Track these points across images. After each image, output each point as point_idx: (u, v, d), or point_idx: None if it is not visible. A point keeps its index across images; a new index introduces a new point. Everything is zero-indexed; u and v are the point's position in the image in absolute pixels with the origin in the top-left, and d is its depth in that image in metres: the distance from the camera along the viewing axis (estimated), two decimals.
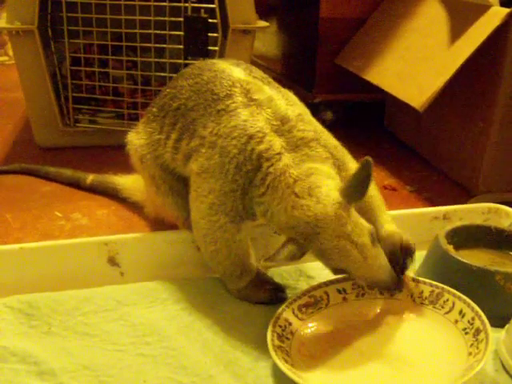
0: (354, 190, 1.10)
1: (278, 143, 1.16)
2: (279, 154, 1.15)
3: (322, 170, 1.15)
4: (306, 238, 1.09)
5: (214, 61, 1.36)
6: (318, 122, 1.28)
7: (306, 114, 1.26)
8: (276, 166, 1.14)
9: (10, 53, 3.75)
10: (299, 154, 1.16)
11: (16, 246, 1.33)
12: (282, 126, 1.18)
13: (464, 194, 1.89)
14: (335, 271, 1.15)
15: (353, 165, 1.25)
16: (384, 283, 1.15)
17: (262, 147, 1.15)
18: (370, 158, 1.09)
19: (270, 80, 1.30)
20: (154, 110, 1.38)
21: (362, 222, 1.12)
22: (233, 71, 1.27)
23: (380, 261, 1.12)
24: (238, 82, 1.23)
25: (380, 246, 1.14)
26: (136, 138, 1.42)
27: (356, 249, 1.09)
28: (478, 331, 1.10)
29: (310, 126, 1.21)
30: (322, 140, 1.21)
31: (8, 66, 3.62)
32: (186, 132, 1.27)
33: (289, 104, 1.23)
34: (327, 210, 1.08)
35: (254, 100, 1.20)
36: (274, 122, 1.18)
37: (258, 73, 1.30)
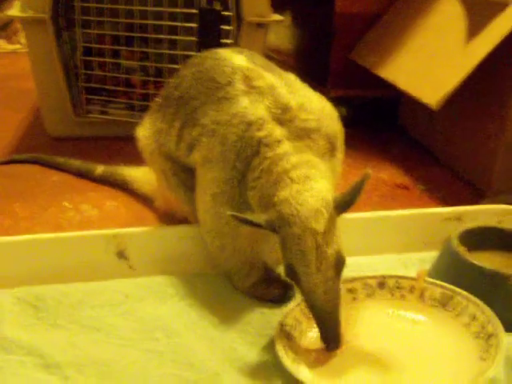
0: (345, 202, 1.05)
1: (278, 131, 1.14)
2: (279, 141, 1.13)
3: (320, 167, 1.12)
4: (280, 220, 1.04)
5: (217, 50, 1.34)
6: (322, 103, 1.25)
7: (309, 100, 1.21)
8: (275, 151, 1.12)
9: (23, 41, 3.75)
10: (300, 144, 1.14)
11: (24, 238, 1.33)
12: (283, 114, 1.16)
13: (476, 194, 1.87)
14: (288, 270, 1.06)
15: (340, 154, 1.25)
16: (321, 316, 1.03)
17: (261, 134, 1.14)
18: (370, 172, 1.05)
19: (273, 66, 1.28)
20: (159, 100, 1.38)
21: (338, 241, 1.05)
22: (234, 59, 1.25)
23: (331, 290, 1.03)
24: (239, 69, 1.22)
25: (339, 285, 1.05)
26: (142, 130, 1.42)
27: (315, 253, 1.02)
28: (489, 336, 1.08)
29: (312, 114, 1.18)
30: (324, 128, 1.18)
31: (20, 54, 3.62)
32: (189, 120, 1.26)
33: (291, 92, 1.20)
34: (314, 201, 1.04)
35: (255, 87, 1.19)
36: (275, 111, 1.16)
37: (260, 60, 1.28)
